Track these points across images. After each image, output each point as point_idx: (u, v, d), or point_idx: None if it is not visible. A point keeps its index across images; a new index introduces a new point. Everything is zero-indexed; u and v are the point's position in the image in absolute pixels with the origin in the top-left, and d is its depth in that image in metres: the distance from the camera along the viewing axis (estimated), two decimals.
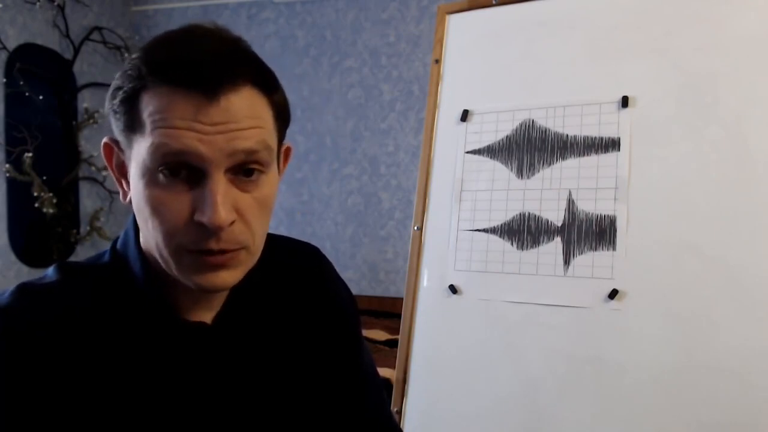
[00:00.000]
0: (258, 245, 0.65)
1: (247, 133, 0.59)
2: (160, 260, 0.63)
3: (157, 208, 0.60)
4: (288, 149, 0.72)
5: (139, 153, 0.60)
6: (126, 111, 0.60)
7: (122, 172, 0.66)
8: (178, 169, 0.59)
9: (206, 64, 0.58)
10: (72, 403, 0.61)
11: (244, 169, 0.61)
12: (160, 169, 0.59)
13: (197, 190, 0.59)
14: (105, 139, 0.66)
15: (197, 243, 0.60)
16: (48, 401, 0.60)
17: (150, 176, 0.59)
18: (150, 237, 0.63)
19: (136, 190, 0.62)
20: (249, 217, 0.62)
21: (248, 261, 0.64)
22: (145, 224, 0.63)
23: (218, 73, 0.58)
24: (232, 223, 0.60)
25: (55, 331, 0.62)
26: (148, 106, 0.59)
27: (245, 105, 0.59)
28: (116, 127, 0.63)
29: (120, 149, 0.64)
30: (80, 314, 0.64)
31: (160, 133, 0.57)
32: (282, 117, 0.66)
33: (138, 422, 0.63)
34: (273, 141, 0.63)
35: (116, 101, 0.61)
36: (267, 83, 0.63)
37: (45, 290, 0.65)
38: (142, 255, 0.67)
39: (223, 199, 0.58)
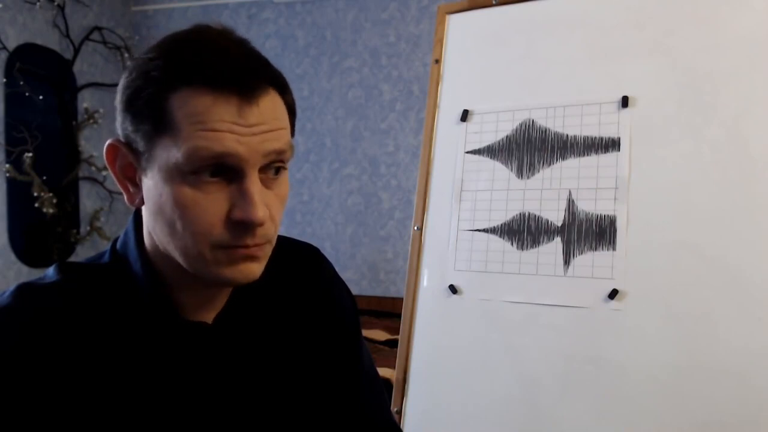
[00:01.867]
0: (275, 238, 0.67)
1: (278, 134, 0.62)
2: (183, 260, 0.63)
3: (190, 209, 0.60)
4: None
5: (167, 155, 0.59)
6: (151, 113, 0.59)
7: (128, 174, 0.65)
8: (217, 171, 0.60)
9: (240, 66, 0.59)
10: (72, 402, 0.61)
11: (274, 168, 0.63)
12: (199, 170, 0.59)
13: (233, 189, 0.61)
14: (110, 141, 0.64)
15: (235, 239, 0.61)
16: (48, 400, 0.60)
17: (182, 178, 0.59)
18: (174, 240, 0.62)
19: (159, 192, 0.61)
20: (274, 213, 0.64)
21: (269, 253, 0.66)
22: (168, 227, 0.62)
23: (252, 77, 0.60)
24: (267, 219, 0.62)
25: (54, 331, 0.62)
26: (181, 108, 0.58)
27: (273, 107, 0.62)
28: (134, 129, 0.61)
29: (131, 150, 0.63)
30: (80, 314, 0.64)
31: (200, 136, 0.58)
32: (293, 116, 0.68)
33: (138, 421, 0.64)
34: (291, 140, 0.66)
35: (139, 102, 0.60)
36: (283, 85, 0.65)
37: (45, 290, 0.65)
38: (144, 255, 0.67)
39: (260, 197, 0.60)
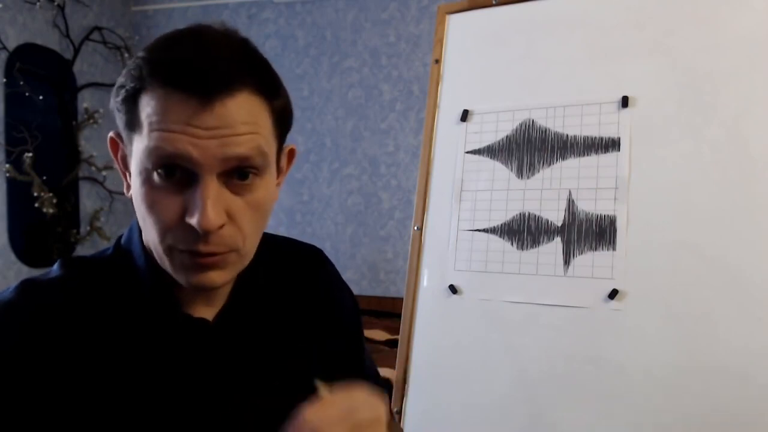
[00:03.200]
0: (249, 247, 0.65)
1: (241, 138, 0.59)
2: (155, 256, 0.65)
3: (151, 207, 0.61)
4: (292, 151, 0.72)
5: (137, 152, 0.60)
6: (127, 110, 0.61)
7: (126, 165, 0.67)
8: (172, 171, 0.59)
9: (203, 68, 0.58)
10: (75, 395, 0.62)
11: (239, 173, 0.61)
12: (155, 170, 0.59)
13: (189, 192, 0.59)
14: (111, 134, 0.67)
15: (187, 243, 0.60)
16: (51, 394, 0.61)
17: (146, 176, 0.60)
18: (146, 234, 0.64)
19: (134, 187, 0.63)
20: (240, 221, 0.62)
21: (238, 262, 0.65)
22: (142, 221, 0.64)
23: (214, 77, 0.58)
24: (222, 226, 0.60)
25: (56, 326, 0.63)
26: (146, 107, 0.59)
27: (241, 110, 0.59)
28: (119, 124, 0.64)
29: (123, 144, 0.65)
30: (82, 309, 0.65)
31: (155, 136, 0.58)
32: (282, 122, 0.65)
33: (139, 415, 0.64)
34: (270, 146, 0.63)
35: (119, 99, 0.62)
36: (268, 88, 0.62)
37: (47, 285, 0.66)
38: (146, 250, 0.68)
39: (214, 203, 0.59)
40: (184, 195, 0.60)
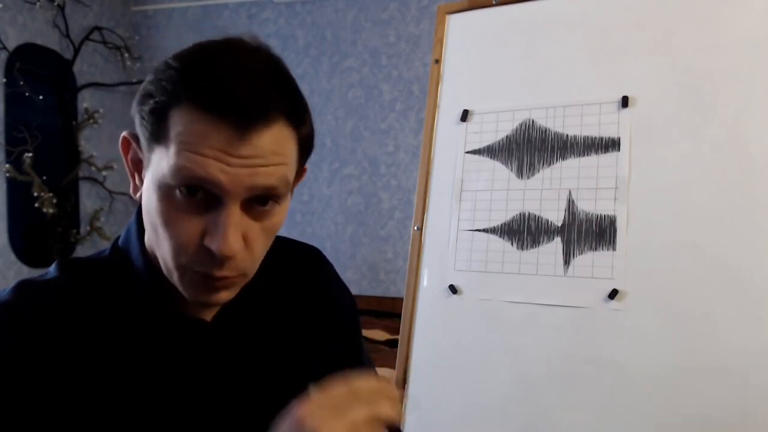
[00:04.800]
0: (255, 268, 0.66)
1: (271, 169, 0.59)
2: (162, 267, 0.64)
3: (168, 224, 0.60)
4: (303, 170, 0.71)
5: (159, 165, 0.59)
6: (154, 121, 0.59)
7: (137, 168, 0.66)
8: (194, 191, 0.58)
9: (244, 95, 0.57)
10: (71, 397, 0.61)
11: (260, 199, 0.61)
12: (177, 187, 0.59)
13: (211, 215, 0.59)
14: (125, 133, 0.66)
15: (202, 265, 0.60)
16: (47, 395, 0.60)
17: (166, 191, 0.59)
18: (156, 244, 0.63)
19: (149, 196, 0.62)
20: (253, 245, 0.62)
21: (243, 282, 0.65)
22: (153, 230, 0.63)
23: (254, 107, 0.57)
24: (238, 253, 0.60)
25: (53, 327, 0.62)
26: (177, 125, 0.58)
27: (274, 141, 0.59)
28: (141, 130, 0.62)
29: (139, 147, 0.64)
30: (79, 310, 0.64)
31: (185, 157, 0.57)
32: (305, 149, 0.65)
33: (136, 417, 0.64)
34: (292, 174, 0.63)
35: (146, 108, 0.60)
36: (298, 117, 0.62)
37: (44, 286, 0.66)
38: (145, 252, 0.68)
39: (234, 229, 0.59)
40: (204, 217, 0.59)
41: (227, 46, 0.61)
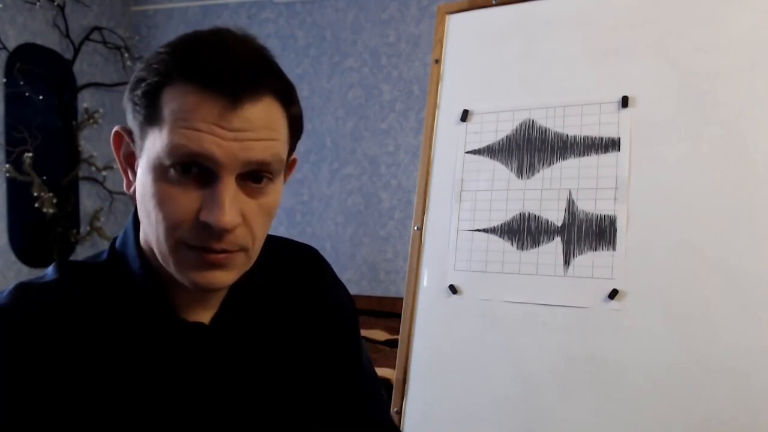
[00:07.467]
0: (256, 249, 0.66)
1: (263, 144, 0.60)
2: (158, 255, 0.64)
3: (163, 202, 0.60)
4: (294, 160, 0.72)
5: (153, 146, 0.60)
6: (147, 104, 0.60)
7: (129, 162, 0.66)
8: (189, 168, 0.59)
9: (234, 69, 0.58)
10: (69, 400, 0.61)
11: (254, 176, 0.62)
12: (172, 165, 0.59)
13: (206, 190, 0.60)
14: (116, 128, 0.66)
15: (199, 240, 0.60)
16: (45, 399, 0.60)
17: (161, 170, 0.60)
18: (150, 231, 0.63)
19: (143, 181, 0.62)
20: (252, 222, 0.63)
21: (245, 263, 0.65)
22: (147, 217, 0.63)
23: (244, 80, 0.59)
24: (236, 226, 0.61)
25: (50, 330, 0.62)
26: (170, 103, 0.59)
27: (264, 116, 0.60)
28: (133, 118, 0.63)
29: (131, 140, 0.65)
30: (77, 312, 0.64)
31: (180, 133, 0.58)
32: (295, 130, 0.66)
33: (134, 420, 0.64)
34: (284, 153, 0.64)
35: (138, 92, 0.61)
36: (287, 96, 0.63)
37: (42, 289, 0.65)
38: (141, 253, 0.68)
39: (231, 203, 0.59)
40: (200, 192, 0.60)
41: (214, 33, 0.62)
